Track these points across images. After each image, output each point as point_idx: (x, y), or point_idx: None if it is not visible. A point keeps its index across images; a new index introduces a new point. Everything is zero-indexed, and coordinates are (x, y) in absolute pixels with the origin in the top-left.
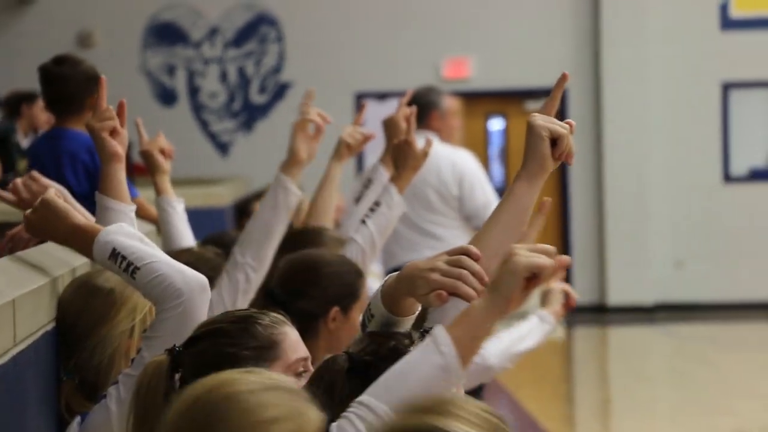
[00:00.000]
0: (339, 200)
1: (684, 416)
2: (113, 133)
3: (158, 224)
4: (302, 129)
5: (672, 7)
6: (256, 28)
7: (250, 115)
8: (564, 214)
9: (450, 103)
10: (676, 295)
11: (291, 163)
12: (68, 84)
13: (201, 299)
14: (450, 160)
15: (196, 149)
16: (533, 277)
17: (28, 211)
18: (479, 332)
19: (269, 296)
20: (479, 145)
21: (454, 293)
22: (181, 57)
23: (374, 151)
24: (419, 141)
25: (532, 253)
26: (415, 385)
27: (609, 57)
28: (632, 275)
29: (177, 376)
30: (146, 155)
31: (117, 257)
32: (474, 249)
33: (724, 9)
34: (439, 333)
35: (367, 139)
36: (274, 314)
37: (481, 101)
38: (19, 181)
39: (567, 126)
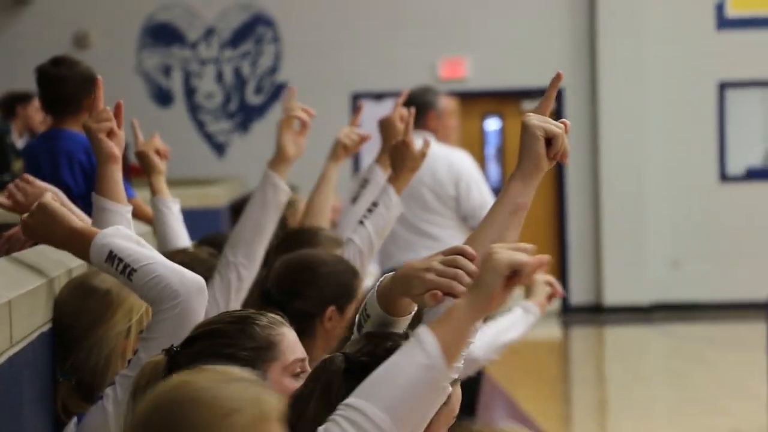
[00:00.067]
0: (335, 201)
1: (681, 416)
2: (110, 134)
3: (154, 225)
4: (288, 126)
5: (668, 7)
6: (253, 29)
7: (247, 116)
8: (561, 214)
9: (446, 103)
10: (673, 295)
11: (279, 159)
12: (65, 85)
13: (198, 300)
14: (446, 161)
15: (192, 150)
16: (514, 275)
17: (25, 215)
18: (462, 331)
19: (265, 296)
20: (476, 145)
21: (449, 293)
22: (177, 57)
23: (371, 151)
24: (417, 142)
25: (511, 251)
26: (401, 386)
27: (605, 57)
28: (629, 275)
29: None
30: (141, 156)
31: (114, 260)
32: (469, 249)
33: (720, 9)
34: (423, 333)
35: (363, 139)
36: (272, 315)
37: (478, 101)
38: (11, 185)
39: (562, 126)
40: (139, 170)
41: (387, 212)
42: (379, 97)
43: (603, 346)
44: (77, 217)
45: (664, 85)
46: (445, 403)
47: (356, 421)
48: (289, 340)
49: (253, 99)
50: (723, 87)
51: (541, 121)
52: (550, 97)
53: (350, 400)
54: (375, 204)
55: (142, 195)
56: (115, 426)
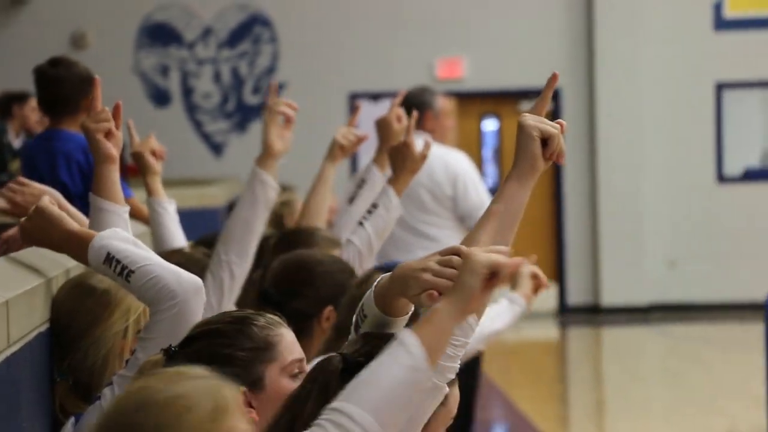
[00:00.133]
0: (332, 201)
1: (678, 416)
2: (108, 134)
3: (150, 225)
4: (273, 122)
5: (666, 7)
6: (250, 29)
7: (244, 116)
8: (558, 214)
9: (444, 104)
10: (671, 296)
11: (266, 156)
12: (63, 85)
13: (195, 301)
14: (443, 161)
15: (189, 150)
16: (492, 277)
17: (23, 219)
18: (444, 332)
19: (263, 296)
20: (473, 146)
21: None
22: (174, 57)
23: (368, 151)
24: (417, 143)
25: (489, 253)
26: (385, 387)
27: (603, 57)
28: (626, 275)
29: None
30: (137, 156)
31: (111, 261)
32: (466, 249)
33: (717, 9)
34: (406, 335)
35: (360, 140)
36: (271, 316)
37: (475, 101)
38: (6, 188)
39: (558, 126)
40: (135, 171)
41: (387, 214)
42: (376, 97)
43: (600, 346)
44: (75, 218)
45: (662, 85)
46: (443, 404)
47: (342, 424)
48: (287, 340)
49: (251, 99)
50: (721, 87)
51: (536, 122)
52: (546, 98)
53: (335, 403)
54: (375, 205)
55: (138, 196)
56: None
